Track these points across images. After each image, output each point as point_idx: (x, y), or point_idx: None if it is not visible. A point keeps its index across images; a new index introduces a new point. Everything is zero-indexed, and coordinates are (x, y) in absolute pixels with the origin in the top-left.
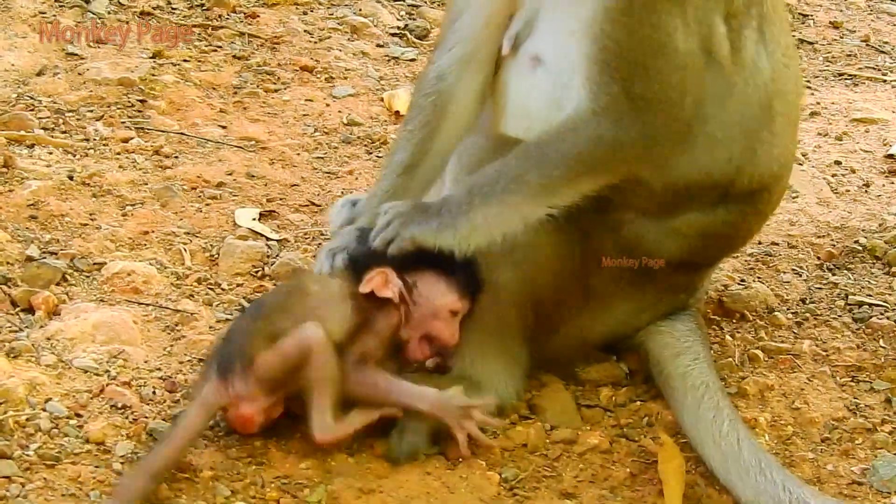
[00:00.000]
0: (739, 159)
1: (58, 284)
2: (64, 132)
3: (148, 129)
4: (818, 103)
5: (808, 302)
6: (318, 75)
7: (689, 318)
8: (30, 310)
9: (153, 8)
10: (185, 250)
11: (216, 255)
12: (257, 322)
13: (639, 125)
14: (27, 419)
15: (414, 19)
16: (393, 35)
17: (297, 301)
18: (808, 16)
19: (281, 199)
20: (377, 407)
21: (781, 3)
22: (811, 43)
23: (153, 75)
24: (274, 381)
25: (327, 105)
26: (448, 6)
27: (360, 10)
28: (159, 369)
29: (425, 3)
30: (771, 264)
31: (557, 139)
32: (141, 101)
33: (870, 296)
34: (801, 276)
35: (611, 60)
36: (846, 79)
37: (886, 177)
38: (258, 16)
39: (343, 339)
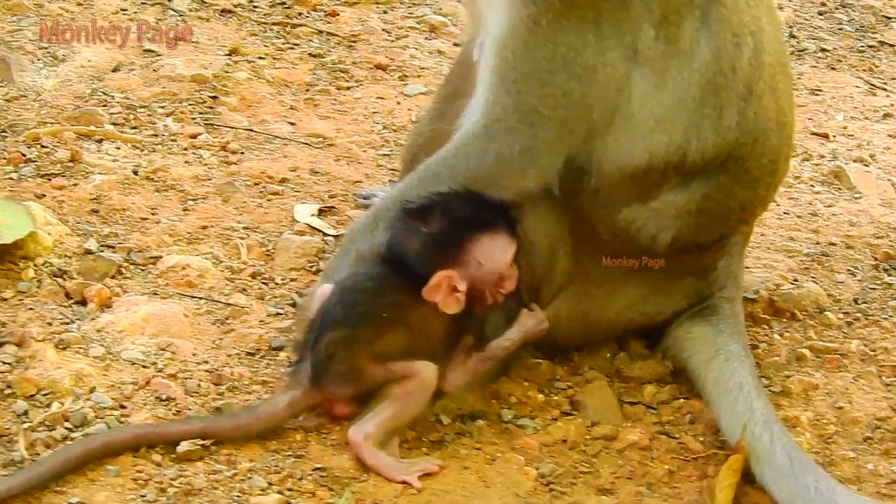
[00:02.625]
0: (683, 139)
1: (113, 277)
2: (133, 128)
3: (217, 126)
4: (892, 105)
5: (860, 302)
6: (392, 73)
7: (722, 319)
8: (83, 302)
9: (234, 6)
10: (241, 245)
11: (272, 250)
12: (359, 331)
13: (525, 139)
14: (71, 410)
15: None
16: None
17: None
18: (891, 18)
19: (343, 196)
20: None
21: None
22: (892, 45)
23: (227, 72)
24: (370, 389)
25: (398, 103)
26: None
27: (441, 9)
28: (206, 362)
29: None
30: (826, 264)
31: (450, 155)
32: (213, 97)
33: None
34: (855, 276)
35: (508, 73)
36: None
37: None
38: (338, 14)
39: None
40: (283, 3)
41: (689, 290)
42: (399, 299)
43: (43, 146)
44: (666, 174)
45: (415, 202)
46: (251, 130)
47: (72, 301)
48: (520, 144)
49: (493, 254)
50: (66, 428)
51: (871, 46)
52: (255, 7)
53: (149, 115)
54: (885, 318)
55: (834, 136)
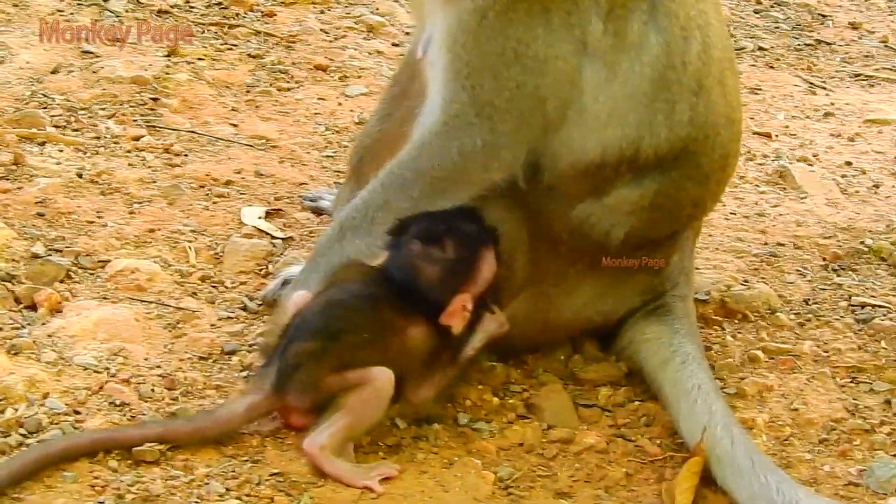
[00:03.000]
0: (635, 133)
1: (61, 282)
2: (75, 130)
3: (159, 128)
4: (832, 104)
5: (811, 303)
6: (332, 74)
7: (676, 319)
8: (32, 307)
9: (170, 6)
10: (189, 248)
11: (221, 254)
12: (333, 346)
13: (485, 133)
14: (25, 416)
15: None
16: (409, 34)
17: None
18: (827, 16)
19: (289, 198)
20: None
21: None
22: (829, 43)
23: (167, 73)
24: (328, 398)
25: (340, 104)
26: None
27: (378, 9)
28: (159, 367)
29: None
30: (775, 265)
31: (412, 157)
32: (154, 99)
33: (873, 297)
34: (805, 276)
35: (461, 69)
36: (862, 80)
37: None
38: (275, 14)
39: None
40: (220, 4)
41: (644, 286)
42: (392, 321)
43: None
44: (619, 169)
45: (421, 225)
46: (194, 132)
47: (21, 306)
48: (480, 138)
49: (492, 266)
50: (21, 434)
51: (808, 45)
52: (191, 8)
53: (90, 118)
54: (836, 319)
55: (776, 136)
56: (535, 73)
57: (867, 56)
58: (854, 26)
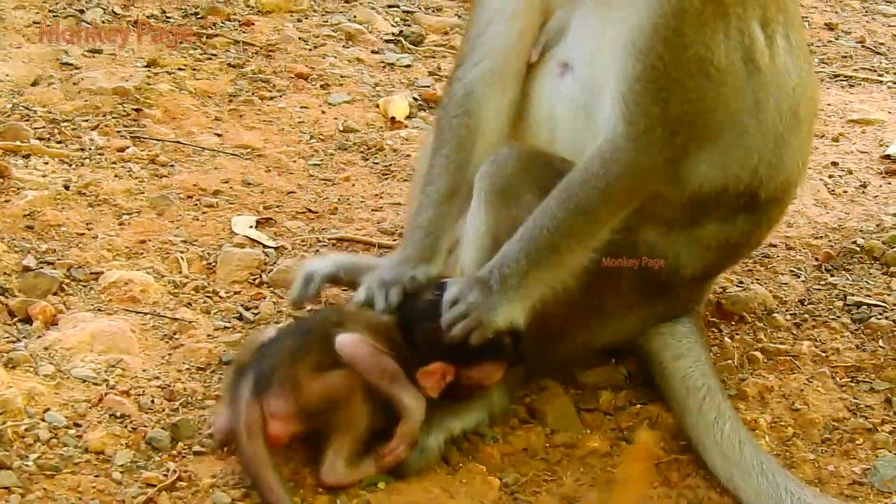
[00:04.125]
0: (767, 166)
1: (55, 294)
2: (59, 142)
3: (143, 138)
4: (820, 110)
5: (806, 303)
6: (314, 82)
7: (689, 320)
8: (27, 320)
9: (147, 17)
10: (182, 259)
11: (213, 264)
12: (304, 347)
13: (667, 148)
14: (26, 429)
15: (409, 25)
16: (388, 41)
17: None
18: (803, 17)
19: (278, 207)
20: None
21: (798, 9)
22: (807, 45)
23: (148, 84)
24: (310, 410)
25: (323, 112)
26: (472, 16)
27: (355, 16)
28: (157, 378)
29: (420, 9)
30: (769, 266)
31: (596, 174)
32: (136, 109)
33: (868, 296)
34: (799, 277)
35: (655, 80)
36: (842, 80)
37: (883, 177)
38: (253, 24)
39: None
40: (196, 14)
41: (684, 311)
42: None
43: None
44: (728, 203)
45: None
46: (179, 143)
47: (16, 319)
48: (664, 154)
49: (486, 375)
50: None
51: None
52: (168, 17)
53: (73, 129)
54: (832, 319)
55: None
56: (718, 83)
57: (845, 57)
58: (830, 27)
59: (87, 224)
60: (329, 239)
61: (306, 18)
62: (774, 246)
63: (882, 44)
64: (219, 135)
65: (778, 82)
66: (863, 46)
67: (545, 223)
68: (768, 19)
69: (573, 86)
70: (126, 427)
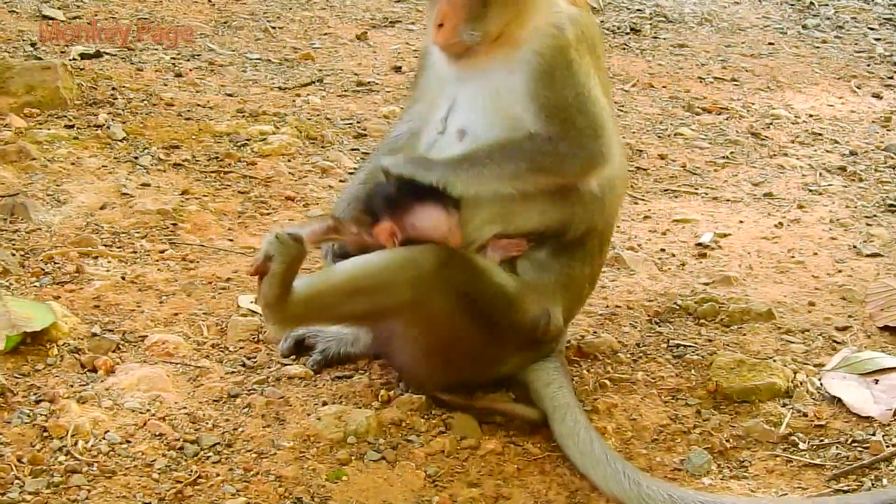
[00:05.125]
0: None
1: (113, 352)
2: (119, 247)
3: (178, 243)
4: (649, 210)
5: (641, 346)
6: (298, 203)
7: (556, 358)
8: (94, 370)
9: (182, 160)
10: (203, 325)
11: (225, 328)
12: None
13: (575, 147)
14: (91, 445)
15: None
16: (350, 173)
17: None
18: (642, 151)
19: None
20: None
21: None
22: (645, 169)
23: (181, 206)
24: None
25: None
26: (412, 91)
27: (328, 157)
28: (185, 408)
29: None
30: (615, 321)
31: (518, 144)
32: (173, 224)
33: (684, 340)
34: (636, 328)
35: (547, 110)
36: (670, 193)
37: (697, 258)
38: (256, 163)
39: None
40: (217, 157)
41: (543, 351)
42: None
43: (55, 263)
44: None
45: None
46: (202, 246)
47: (86, 370)
48: (575, 151)
49: (430, 225)
50: (89, 457)
51: (630, 171)
52: (197, 161)
53: (129, 239)
54: (659, 356)
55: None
56: (600, 106)
57: (672, 177)
58: (661, 157)
59: (137, 303)
60: None
61: (294, 159)
62: (619, 307)
63: (698, 167)
64: (231, 240)
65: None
66: (685, 169)
67: (479, 154)
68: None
69: (470, 147)
70: (162, 442)
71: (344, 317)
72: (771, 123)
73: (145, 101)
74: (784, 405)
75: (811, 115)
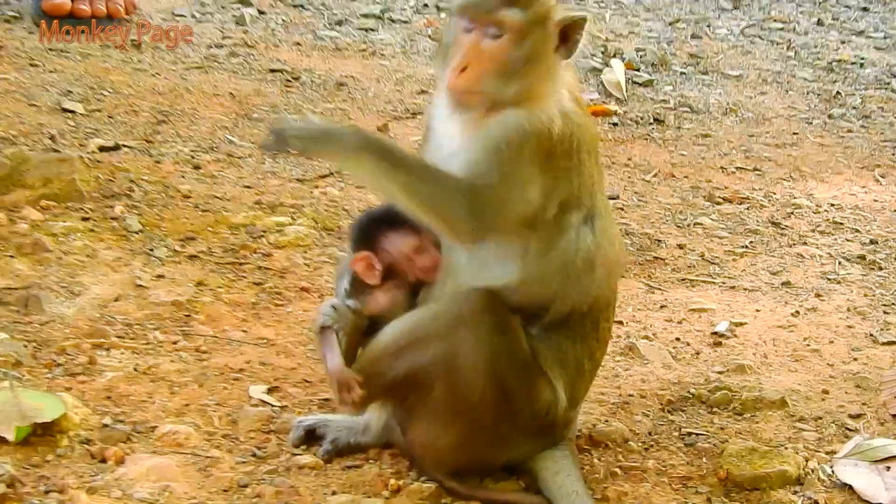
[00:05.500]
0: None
1: (124, 443)
2: (132, 339)
3: (191, 334)
4: (666, 299)
5: (652, 434)
6: (314, 294)
7: (565, 446)
8: (104, 461)
9: (198, 252)
10: (214, 416)
11: (236, 418)
12: None
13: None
14: None
15: None
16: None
17: None
18: (661, 241)
19: (284, 379)
20: None
21: (609, 212)
22: (663, 259)
23: (195, 297)
24: None
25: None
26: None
27: (343, 249)
28: (195, 498)
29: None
30: (627, 409)
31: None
32: (187, 315)
33: (696, 428)
34: (648, 416)
35: (475, 167)
36: (687, 282)
37: (712, 347)
38: (272, 254)
39: None
40: (233, 249)
41: (552, 439)
42: None
43: (68, 354)
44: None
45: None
46: (216, 337)
47: (96, 460)
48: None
49: (399, 247)
50: None
51: (648, 260)
52: (212, 252)
53: (142, 330)
54: (670, 445)
55: (627, 323)
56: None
57: (690, 266)
58: (680, 247)
59: (148, 394)
60: (318, 399)
61: (310, 250)
62: (632, 395)
63: (717, 257)
64: (244, 330)
65: (566, 239)
66: (703, 259)
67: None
68: (569, 204)
69: None
70: None
71: (386, 386)
72: (792, 213)
73: (162, 194)
74: (795, 493)
75: (833, 205)
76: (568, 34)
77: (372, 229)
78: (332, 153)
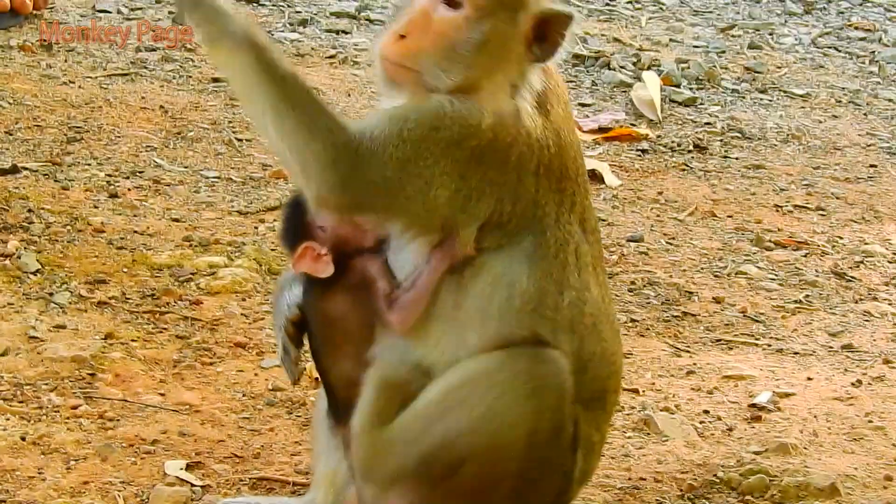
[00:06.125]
0: None
1: None
2: (21, 402)
3: (95, 398)
4: (694, 364)
5: None
6: (251, 350)
7: None
8: None
9: (109, 297)
10: (119, 496)
11: (146, 500)
12: None
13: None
14: None
15: None
16: None
17: None
18: (692, 293)
19: (208, 453)
20: None
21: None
22: (693, 315)
23: (103, 353)
24: None
25: (255, 374)
26: None
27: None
28: None
29: None
30: (637, 496)
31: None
32: (91, 374)
33: None
34: None
35: (371, 131)
36: (722, 344)
37: (749, 422)
38: (202, 302)
39: None
40: (152, 295)
41: None
42: None
43: None
44: None
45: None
46: (125, 401)
47: None
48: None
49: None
50: None
51: (675, 316)
52: (126, 299)
53: (34, 391)
54: None
55: (643, 391)
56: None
57: (728, 324)
58: (717, 300)
59: (38, 469)
60: (250, 478)
61: (250, 298)
62: (644, 479)
63: (762, 313)
64: (162, 394)
65: None
66: (744, 316)
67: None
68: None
69: None
70: None
71: (422, 461)
72: (861, 262)
73: (68, 227)
74: None
75: None
76: (546, 31)
77: (298, 215)
78: (209, 32)
